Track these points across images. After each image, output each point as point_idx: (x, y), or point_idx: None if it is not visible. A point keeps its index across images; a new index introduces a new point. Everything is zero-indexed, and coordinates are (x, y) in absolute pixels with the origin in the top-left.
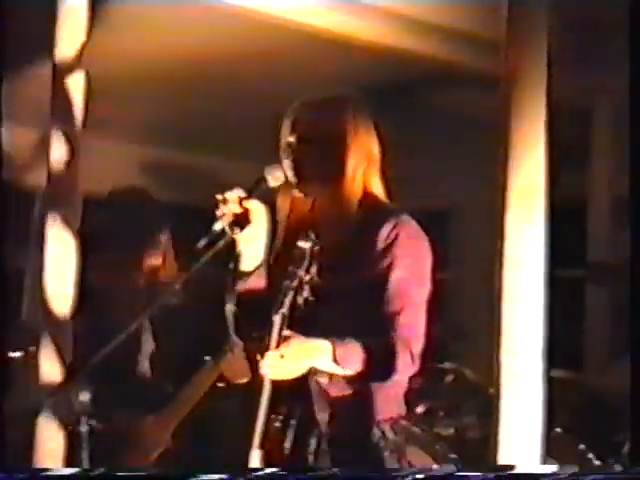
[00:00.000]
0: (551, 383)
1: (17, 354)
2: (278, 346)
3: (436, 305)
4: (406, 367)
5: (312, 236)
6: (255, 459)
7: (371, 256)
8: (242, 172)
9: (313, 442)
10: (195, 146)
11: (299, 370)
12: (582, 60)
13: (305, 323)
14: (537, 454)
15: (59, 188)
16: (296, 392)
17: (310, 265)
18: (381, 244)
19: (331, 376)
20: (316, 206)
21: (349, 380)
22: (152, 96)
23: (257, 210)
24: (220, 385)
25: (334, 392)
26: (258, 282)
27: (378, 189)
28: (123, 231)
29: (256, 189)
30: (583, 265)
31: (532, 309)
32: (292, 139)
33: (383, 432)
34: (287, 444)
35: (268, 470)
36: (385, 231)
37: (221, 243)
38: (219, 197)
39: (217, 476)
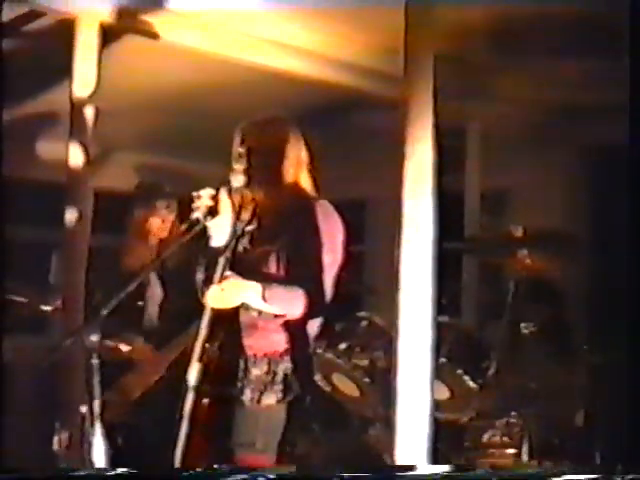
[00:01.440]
0: (437, 326)
1: (48, 307)
2: (220, 282)
3: (355, 269)
4: (319, 309)
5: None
6: (193, 372)
7: (297, 228)
8: (212, 173)
9: (241, 362)
10: (177, 152)
11: (234, 302)
12: (459, 90)
13: (244, 271)
14: (427, 378)
15: (76, 184)
16: (230, 323)
17: (250, 221)
18: (304, 220)
19: (260, 312)
20: (261, 198)
21: (276, 316)
22: (146, 114)
23: (224, 203)
24: None
25: (262, 324)
26: None
27: (306, 183)
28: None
29: (223, 188)
30: (461, 239)
31: (423, 273)
32: (242, 150)
33: (294, 360)
34: (222, 362)
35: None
36: (308, 210)
37: (197, 227)
38: (195, 193)
39: (240, 476)
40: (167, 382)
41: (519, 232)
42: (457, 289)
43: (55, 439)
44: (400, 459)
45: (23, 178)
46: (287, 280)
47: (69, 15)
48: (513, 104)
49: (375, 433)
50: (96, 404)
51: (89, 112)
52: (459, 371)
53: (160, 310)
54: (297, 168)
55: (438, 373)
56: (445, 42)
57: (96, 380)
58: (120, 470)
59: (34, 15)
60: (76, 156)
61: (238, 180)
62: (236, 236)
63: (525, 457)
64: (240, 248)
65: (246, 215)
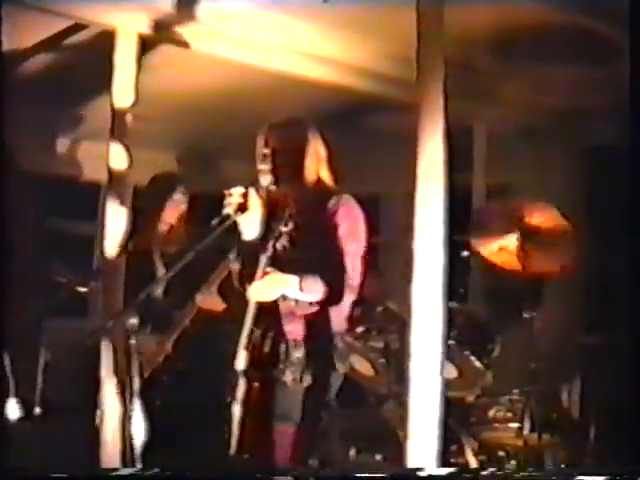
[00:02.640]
0: (447, 311)
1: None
2: (262, 278)
3: (371, 259)
4: (346, 295)
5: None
6: (241, 359)
7: (323, 221)
8: (238, 171)
9: (283, 347)
10: (208, 152)
11: (275, 295)
12: (466, 94)
13: (283, 264)
14: (438, 358)
15: (116, 182)
16: (271, 313)
17: (286, 224)
18: (328, 212)
19: (297, 301)
20: (288, 196)
21: (311, 304)
22: (178, 117)
23: (253, 201)
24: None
25: (300, 312)
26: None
27: (327, 178)
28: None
29: (253, 186)
30: (467, 231)
31: (434, 262)
32: (267, 151)
33: (334, 342)
34: (266, 349)
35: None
36: (330, 204)
37: (228, 223)
38: (226, 191)
39: (283, 478)
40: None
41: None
42: (465, 277)
43: (97, 413)
44: (412, 433)
45: (68, 176)
46: (316, 270)
47: (109, 27)
48: (517, 106)
49: (389, 409)
50: (135, 382)
51: (128, 116)
52: (467, 352)
53: (163, 293)
54: (317, 165)
55: (447, 354)
56: (454, 49)
57: (134, 359)
58: (157, 469)
59: (78, 28)
60: (116, 156)
61: (266, 179)
62: (275, 236)
63: (527, 431)
64: (279, 246)
65: (281, 215)
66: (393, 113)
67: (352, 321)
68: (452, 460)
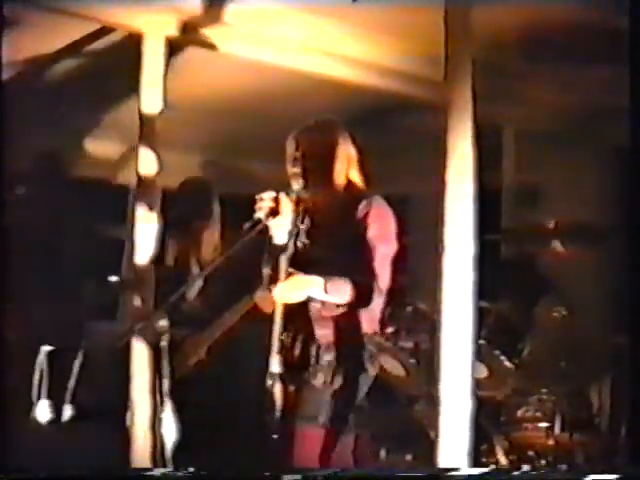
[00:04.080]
0: (477, 311)
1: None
2: (285, 279)
3: (402, 260)
4: (376, 298)
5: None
6: (275, 362)
7: (353, 223)
8: (268, 174)
9: (313, 350)
10: (237, 155)
11: (299, 296)
12: (495, 94)
13: (306, 266)
14: (468, 358)
15: (146, 185)
16: (300, 316)
17: (303, 219)
18: (359, 214)
19: (323, 302)
20: (318, 198)
21: (338, 306)
22: (206, 120)
23: (285, 205)
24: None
25: (326, 314)
26: None
27: (357, 180)
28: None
29: (285, 191)
30: (498, 231)
31: (464, 262)
32: (298, 154)
33: (363, 344)
34: (296, 351)
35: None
36: (361, 206)
37: (259, 227)
38: (257, 196)
39: (298, 475)
40: (207, 365)
41: (551, 224)
42: (495, 277)
43: (128, 414)
44: (443, 432)
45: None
46: (345, 272)
47: (137, 30)
48: (546, 106)
49: (420, 409)
50: (165, 383)
51: (157, 119)
52: (496, 352)
53: (199, 298)
54: (348, 166)
55: (477, 354)
56: (482, 49)
57: (165, 361)
58: (191, 469)
59: (105, 31)
60: (145, 160)
61: (297, 183)
62: (293, 233)
63: (557, 431)
64: (299, 245)
65: (301, 214)
66: (422, 113)
67: (383, 323)
68: (483, 460)
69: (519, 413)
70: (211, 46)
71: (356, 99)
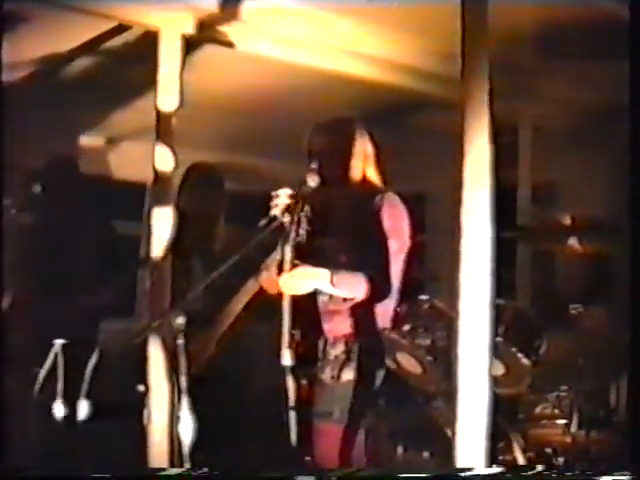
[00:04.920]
0: (494, 308)
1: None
2: (290, 270)
3: (415, 257)
4: (385, 293)
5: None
6: (287, 356)
7: (366, 218)
8: (284, 171)
9: (320, 344)
10: (253, 152)
11: (305, 288)
12: (512, 91)
13: (315, 260)
14: (485, 355)
15: (161, 182)
16: (309, 309)
17: (303, 207)
18: (372, 210)
19: (331, 296)
20: (333, 194)
21: (345, 300)
22: (222, 117)
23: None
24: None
25: (334, 307)
26: None
27: (374, 177)
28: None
29: (300, 187)
30: (515, 228)
31: (481, 259)
32: (314, 150)
33: (376, 339)
34: (305, 346)
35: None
36: (375, 201)
37: (275, 224)
38: (273, 193)
39: (308, 477)
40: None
41: (568, 221)
42: (512, 274)
43: (145, 413)
44: (460, 430)
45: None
46: (355, 267)
47: (153, 28)
48: (562, 103)
49: (437, 406)
50: (183, 380)
51: (173, 117)
52: (514, 349)
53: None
54: (364, 163)
55: (495, 351)
56: (499, 46)
57: (182, 358)
58: (205, 469)
59: (122, 29)
60: (162, 157)
61: (314, 180)
62: (294, 222)
63: (574, 428)
64: (302, 232)
65: (308, 208)
66: (438, 111)
67: (396, 319)
68: (500, 457)
69: (537, 410)
70: (227, 44)
71: (372, 97)
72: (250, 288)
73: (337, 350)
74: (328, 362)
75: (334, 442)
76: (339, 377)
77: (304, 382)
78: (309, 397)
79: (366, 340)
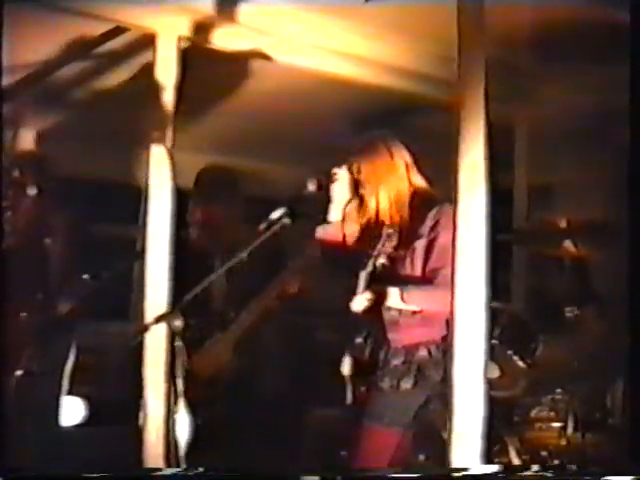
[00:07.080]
0: (490, 311)
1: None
2: (363, 292)
3: None
4: (446, 303)
5: (392, 229)
6: (347, 364)
7: (423, 230)
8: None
9: (382, 353)
10: (250, 155)
11: (376, 309)
12: (508, 93)
13: (384, 276)
14: (481, 358)
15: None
16: (375, 321)
17: (384, 244)
18: (429, 222)
19: (400, 311)
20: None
21: (414, 313)
22: (220, 120)
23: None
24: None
25: (403, 321)
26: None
27: (420, 182)
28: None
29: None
30: (510, 231)
31: (477, 262)
32: (360, 179)
33: (429, 350)
34: (366, 353)
35: None
36: (432, 214)
37: (276, 227)
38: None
39: (316, 477)
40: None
41: (563, 224)
42: (508, 277)
43: (140, 415)
44: (456, 432)
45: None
46: (424, 279)
47: (150, 30)
48: (558, 105)
49: (433, 409)
50: (179, 382)
51: (171, 120)
52: (509, 352)
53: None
54: (408, 173)
55: (490, 354)
56: (495, 48)
57: (180, 361)
58: (201, 469)
59: (119, 31)
60: (159, 160)
61: (370, 208)
62: (374, 255)
63: (570, 431)
64: (378, 265)
65: (378, 232)
66: (434, 113)
67: None
68: (495, 460)
69: (532, 413)
70: (224, 46)
71: (368, 99)
72: (263, 298)
73: (397, 360)
74: (388, 372)
75: (379, 444)
76: (398, 386)
77: (362, 389)
78: (368, 403)
79: (431, 349)
